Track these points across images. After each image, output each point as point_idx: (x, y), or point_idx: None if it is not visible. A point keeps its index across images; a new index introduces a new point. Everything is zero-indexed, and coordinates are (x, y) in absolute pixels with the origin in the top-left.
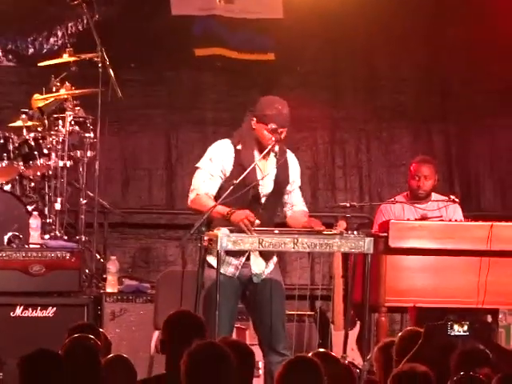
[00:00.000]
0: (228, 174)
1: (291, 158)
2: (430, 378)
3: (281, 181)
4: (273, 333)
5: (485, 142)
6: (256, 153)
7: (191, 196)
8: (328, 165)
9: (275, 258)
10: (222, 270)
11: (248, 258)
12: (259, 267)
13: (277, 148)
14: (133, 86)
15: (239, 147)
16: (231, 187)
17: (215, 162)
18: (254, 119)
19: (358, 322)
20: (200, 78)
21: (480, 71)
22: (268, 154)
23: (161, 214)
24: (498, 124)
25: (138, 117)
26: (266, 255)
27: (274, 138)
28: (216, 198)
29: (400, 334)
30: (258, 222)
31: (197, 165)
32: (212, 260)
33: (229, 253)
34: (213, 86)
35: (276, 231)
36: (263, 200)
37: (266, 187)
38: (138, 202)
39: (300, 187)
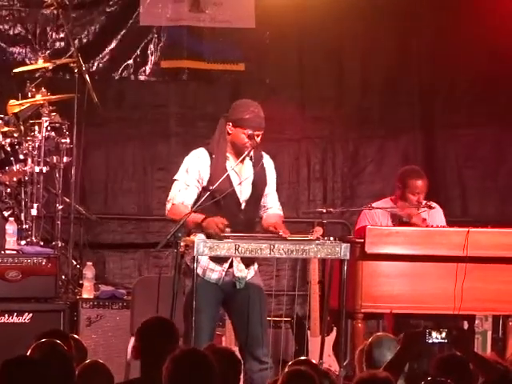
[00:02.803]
0: (205, 183)
1: (267, 161)
2: (391, 383)
3: (259, 184)
4: (253, 339)
5: (450, 150)
6: (232, 158)
7: (167, 206)
8: (292, 176)
9: (256, 265)
10: (205, 277)
11: (231, 265)
12: (241, 273)
13: (252, 153)
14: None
15: (214, 155)
16: (206, 194)
17: (191, 172)
18: (230, 124)
19: (335, 328)
20: (166, 88)
21: (447, 79)
22: (244, 159)
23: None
24: (463, 132)
25: (112, 124)
26: (247, 261)
27: (249, 143)
28: (193, 207)
29: (369, 341)
30: (228, 229)
31: (174, 177)
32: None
33: (212, 260)
34: (180, 97)
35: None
36: (243, 205)
37: (244, 192)
38: (116, 209)
39: (276, 190)
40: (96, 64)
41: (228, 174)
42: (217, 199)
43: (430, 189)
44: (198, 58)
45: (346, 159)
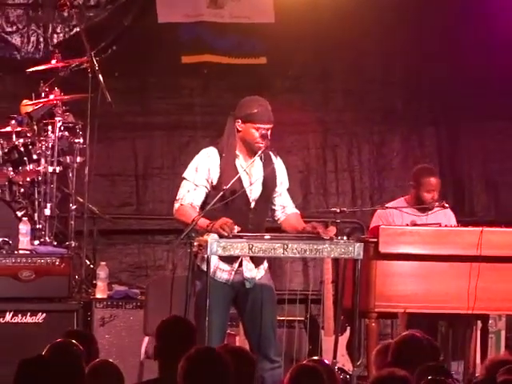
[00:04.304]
0: (215, 182)
1: (277, 161)
2: (409, 382)
3: (269, 184)
4: (264, 339)
5: (476, 146)
6: (242, 157)
7: (175, 206)
8: (319, 169)
9: (266, 264)
10: (215, 277)
11: (240, 265)
12: (251, 272)
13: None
14: (118, 93)
15: (224, 154)
16: (218, 194)
17: (200, 172)
18: (239, 121)
19: (349, 328)
20: (187, 83)
21: (470, 75)
22: (253, 157)
23: (149, 220)
24: (488, 127)
25: (125, 124)
26: (256, 260)
27: (262, 142)
28: (202, 207)
29: (396, 339)
30: (237, 228)
31: (183, 175)
32: (204, 266)
33: (222, 259)
34: (201, 91)
35: (267, 236)
36: (253, 205)
37: (254, 192)
38: (125, 209)
39: (288, 189)
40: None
41: (238, 174)
42: (230, 199)
43: (455, 185)
44: (220, 53)
45: (371, 152)
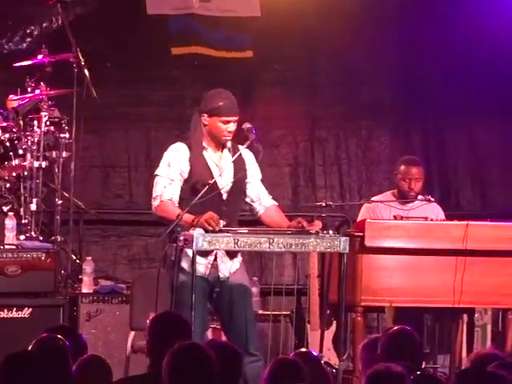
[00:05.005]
0: (186, 176)
1: (245, 152)
2: (405, 378)
3: (239, 177)
4: (242, 333)
5: (462, 140)
6: (210, 150)
7: (155, 203)
8: (308, 162)
9: (240, 257)
10: (191, 271)
11: (215, 258)
12: (226, 265)
13: (229, 144)
14: (109, 84)
15: (193, 148)
16: (205, 188)
17: (173, 167)
18: (205, 115)
19: (335, 322)
20: (178, 76)
21: (454, 70)
22: (221, 150)
23: (141, 215)
24: (475, 122)
25: (117, 116)
26: (231, 253)
27: (229, 136)
28: (178, 202)
29: (386, 332)
30: (223, 222)
31: (155, 173)
32: (183, 262)
33: (198, 253)
34: (191, 83)
35: (244, 230)
36: (225, 196)
37: (225, 183)
38: (118, 201)
39: (261, 180)
40: None
41: (208, 165)
42: (202, 193)
43: (441, 179)
44: (208, 46)
45: (359, 145)
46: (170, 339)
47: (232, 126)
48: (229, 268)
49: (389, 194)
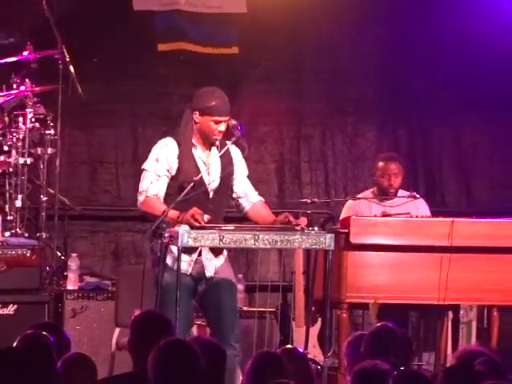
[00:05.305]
0: (174, 172)
1: (233, 148)
2: (390, 375)
3: (226, 173)
4: (225, 327)
5: (448, 137)
6: (199, 147)
7: (140, 198)
8: (294, 159)
9: (225, 252)
10: (175, 268)
11: (200, 254)
12: (211, 262)
13: (217, 142)
14: (96, 80)
15: (182, 144)
16: (190, 185)
17: (161, 162)
18: (197, 113)
19: (320, 319)
20: (164, 72)
21: (439, 67)
22: (210, 148)
23: (128, 211)
24: (460, 119)
25: (105, 112)
26: (216, 250)
27: (219, 135)
28: (164, 198)
29: (371, 330)
30: (207, 216)
31: (143, 166)
32: (167, 259)
33: (182, 250)
34: (177, 80)
35: (231, 227)
36: (211, 194)
37: (212, 181)
38: (106, 197)
39: (248, 176)
40: None
41: (196, 163)
42: (187, 189)
43: (427, 176)
44: (194, 42)
45: (344, 142)
46: (152, 338)
47: (223, 126)
48: (214, 264)
49: (368, 192)
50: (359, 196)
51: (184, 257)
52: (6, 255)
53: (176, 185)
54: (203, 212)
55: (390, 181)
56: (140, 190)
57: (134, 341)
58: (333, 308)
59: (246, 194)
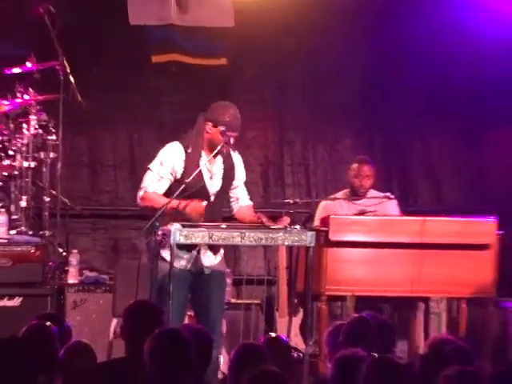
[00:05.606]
0: (179, 176)
1: (236, 157)
2: (365, 361)
3: (228, 179)
4: (214, 320)
5: (419, 143)
6: (205, 155)
7: (140, 194)
8: (277, 163)
9: (222, 251)
10: (174, 264)
11: (198, 252)
12: (209, 259)
13: (224, 151)
14: (95, 89)
15: (190, 150)
16: (182, 186)
17: (165, 165)
18: (210, 124)
19: (301, 310)
20: (157, 82)
21: (414, 78)
22: (216, 156)
23: (126, 210)
24: (431, 124)
25: (103, 118)
26: (214, 248)
27: (225, 142)
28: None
29: (348, 320)
30: (205, 202)
31: (148, 166)
32: (166, 254)
33: (181, 247)
34: (170, 90)
35: (223, 226)
36: (212, 198)
37: (214, 186)
38: (105, 196)
39: (244, 182)
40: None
41: (200, 170)
42: (191, 192)
43: (400, 179)
44: (186, 53)
45: (325, 147)
46: (143, 325)
47: (232, 140)
48: (212, 262)
49: (341, 193)
50: (332, 196)
51: (183, 254)
52: (12, 252)
53: (178, 188)
54: (203, 212)
55: (362, 181)
56: (141, 185)
57: (127, 328)
58: (314, 300)
59: (238, 199)
